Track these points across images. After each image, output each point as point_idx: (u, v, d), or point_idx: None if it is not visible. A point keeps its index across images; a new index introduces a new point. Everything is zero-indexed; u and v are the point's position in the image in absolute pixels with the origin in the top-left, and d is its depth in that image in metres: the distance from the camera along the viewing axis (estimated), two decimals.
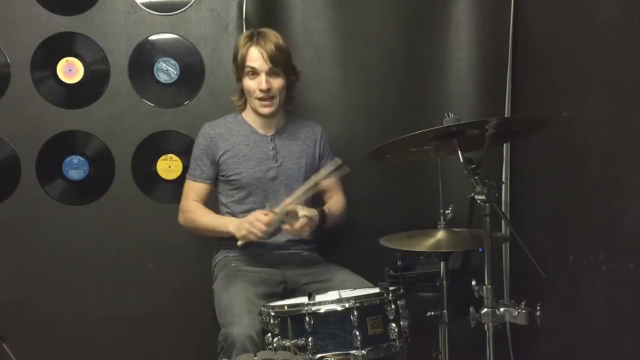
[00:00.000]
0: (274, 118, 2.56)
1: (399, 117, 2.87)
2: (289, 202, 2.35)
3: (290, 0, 2.87)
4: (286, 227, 2.34)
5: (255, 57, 2.45)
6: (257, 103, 2.49)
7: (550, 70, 2.56)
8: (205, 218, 2.53)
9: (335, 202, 2.62)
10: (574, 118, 2.33)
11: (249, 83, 2.48)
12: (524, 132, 2.23)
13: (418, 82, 2.89)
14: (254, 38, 2.47)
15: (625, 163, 2.04)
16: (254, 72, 2.46)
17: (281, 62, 2.47)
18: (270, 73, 2.45)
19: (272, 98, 2.48)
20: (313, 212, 2.40)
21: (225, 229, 2.43)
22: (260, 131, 2.57)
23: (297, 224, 2.33)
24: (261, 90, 2.45)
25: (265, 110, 2.50)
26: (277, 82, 2.48)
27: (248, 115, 2.59)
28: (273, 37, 2.48)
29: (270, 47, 2.44)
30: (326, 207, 2.53)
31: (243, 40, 2.49)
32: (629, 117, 2.01)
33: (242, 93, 2.56)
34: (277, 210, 2.32)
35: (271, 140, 2.56)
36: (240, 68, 2.49)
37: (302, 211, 2.34)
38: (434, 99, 2.87)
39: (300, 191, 2.39)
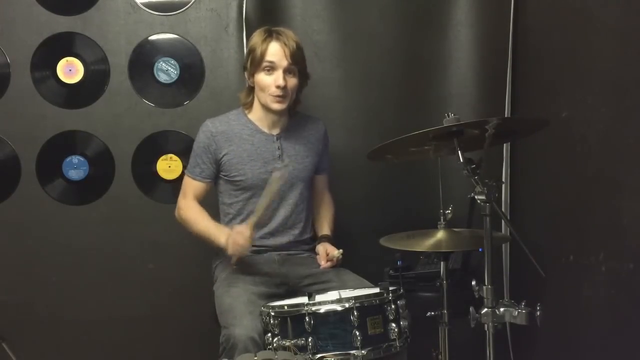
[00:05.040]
0: (280, 117, 2.50)
1: (399, 117, 2.87)
2: (260, 208, 2.35)
3: (290, 0, 2.87)
4: (326, 265, 2.45)
5: (276, 52, 2.40)
6: (270, 99, 2.42)
7: (551, 70, 2.55)
8: (200, 225, 2.47)
9: (327, 208, 2.66)
10: (574, 118, 2.33)
11: (265, 79, 2.41)
12: (524, 132, 2.23)
13: (418, 82, 2.89)
14: (274, 34, 2.43)
15: (625, 163, 2.03)
16: (272, 68, 2.40)
17: (299, 61, 2.44)
18: (288, 71, 2.41)
19: (285, 97, 2.43)
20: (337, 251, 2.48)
21: (217, 241, 2.40)
22: (266, 130, 2.51)
23: (335, 261, 2.46)
24: (277, 87, 2.40)
25: (278, 106, 2.43)
26: (292, 82, 2.43)
27: (254, 114, 2.51)
28: (293, 35, 2.45)
29: (292, 44, 2.41)
30: (329, 230, 2.61)
31: (261, 35, 2.43)
32: (629, 117, 2.01)
33: (251, 90, 2.50)
34: (253, 219, 2.34)
35: (277, 139, 2.50)
36: (256, 63, 2.42)
37: (335, 252, 2.47)
38: (434, 99, 2.87)
39: (266, 198, 2.36)
